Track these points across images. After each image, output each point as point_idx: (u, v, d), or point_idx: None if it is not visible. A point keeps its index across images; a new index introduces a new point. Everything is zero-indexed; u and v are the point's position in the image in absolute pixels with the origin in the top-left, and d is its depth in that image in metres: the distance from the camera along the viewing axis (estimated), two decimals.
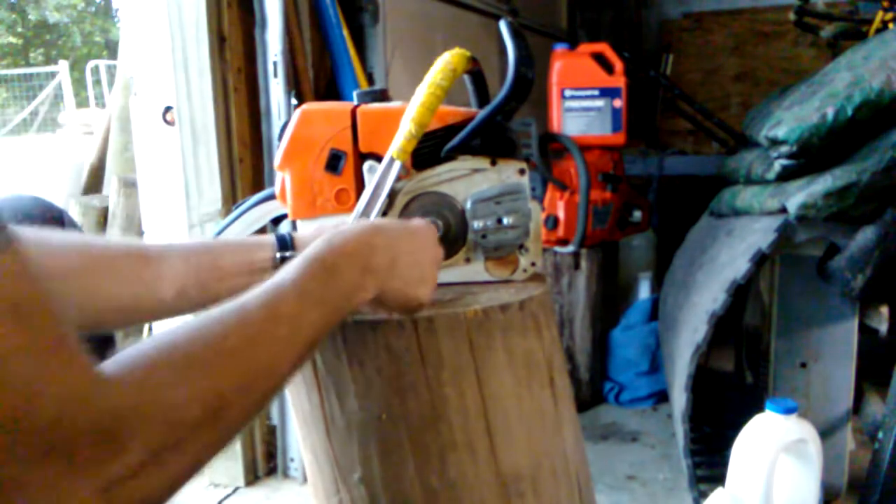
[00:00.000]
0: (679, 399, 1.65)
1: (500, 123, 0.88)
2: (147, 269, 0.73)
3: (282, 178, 0.92)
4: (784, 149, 1.53)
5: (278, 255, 0.80)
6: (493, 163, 0.88)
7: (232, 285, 0.74)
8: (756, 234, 1.62)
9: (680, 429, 1.65)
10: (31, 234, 0.63)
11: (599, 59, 2.42)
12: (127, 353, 0.48)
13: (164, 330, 0.51)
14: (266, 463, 2.05)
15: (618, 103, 2.39)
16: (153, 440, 0.45)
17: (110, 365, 0.47)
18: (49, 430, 0.41)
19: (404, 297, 0.72)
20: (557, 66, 2.43)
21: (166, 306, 0.74)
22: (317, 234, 0.79)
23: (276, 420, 2.02)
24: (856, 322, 1.65)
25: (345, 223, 0.76)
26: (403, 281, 0.70)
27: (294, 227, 0.93)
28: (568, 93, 2.40)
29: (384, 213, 0.87)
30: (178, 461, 0.47)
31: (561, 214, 2.35)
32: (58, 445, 0.41)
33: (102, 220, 2.63)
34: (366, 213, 0.86)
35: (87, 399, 0.43)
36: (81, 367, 0.44)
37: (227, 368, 0.51)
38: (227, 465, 2.00)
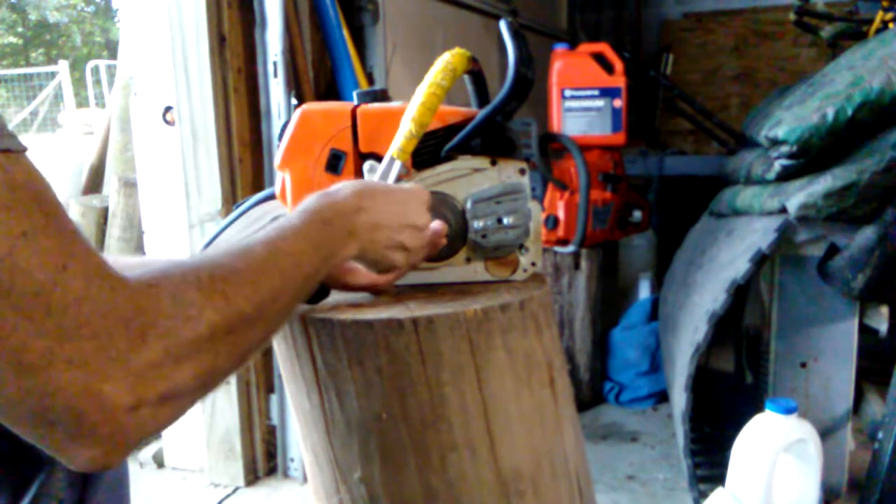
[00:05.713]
0: (679, 399, 1.65)
1: (500, 123, 0.88)
2: None
3: (282, 178, 0.91)
4: (784, 149, 1.53)
5: None
6: (494, 163, 0.88)
7: None
8: (756, 234, 1.62)
9: (680, 429, 1.65)
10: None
11: (599, 59, 2.42)
12: (151, 268, 0.52)
13: (178, 259, 0.56)
14: (266, 463, 2.05)
15: (618, 103, 2.39)
16: (172, 339, 0.49)
17: (133, 272, 0.50)
18: (76, 306, 0.45)
19: (381, 258, 0.76)
20: (557, 66, 2.43)
21: None
22: None
23: (276, 420, 2.02)
24: (856, 322, 1.65)
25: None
26: (383, 245, 0.75)
27: None
28: (568, 93, 2.40)
29: None
30: (197, 365, 0.51)
31: (561, 214, 2.35)
32: (84, 324, 0.45)
33: (102, 220, 2.63)
34: None
35: (113, 284, 0.47)
36: (103, 259, 0.48)
37: (240, 291, 0.55)
38: (227, 465, 2.00)
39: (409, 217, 0.76)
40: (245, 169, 1.94)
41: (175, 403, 0.50)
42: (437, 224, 0.84)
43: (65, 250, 0.45)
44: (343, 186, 0.73)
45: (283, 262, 0.61)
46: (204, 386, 0.53)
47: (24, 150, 0.47)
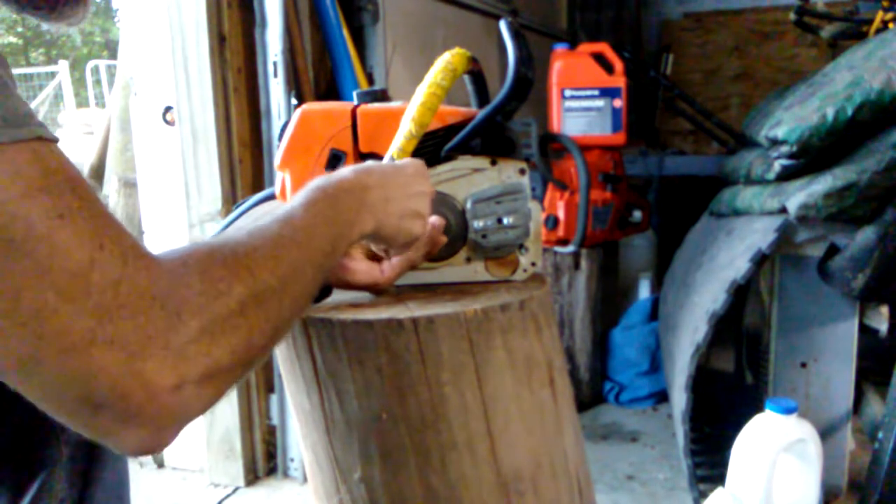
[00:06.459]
0: (679, 399, 1.65)
1: (500, 123, 0.88)
2: None
3: (282, 178, 0.92)
4: (784, 149, 1.53)
5: None
6: (494, 163, 0.88)
7: None
8: (756, 234, 1.62)
9: (680, 429, 1.65)
10: None
11: (599, 59, 2.42)
12: (177, 249, 0.52)
13: (198, 241, 0.56)
14: (266, 463, 2.05)
15: (618, 103, 2.39)
16: (206, 316, 0.49)
17: (162, 253, 0.51)
18: (114, 286, 0.45)
19: (399, 230, 0.76)
20: (557, 66, 2.43)
21: None
22: None
23: (276, 420, 2.02)
24: (856, 322, 1.65)
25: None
26: (398, 216, 0.75)
27: None
28: (568, 93, 2.41)
29: None
30: (233, 340, 0.51)
31: (561, 214, 2.35)
32: (123, 304, 0.45)
33: None
34: None
35: (147, 264, 0.48)
36: (136, 240, 0.49)
37: (264, 265, 0.56)
38: (227, 465, 2.00)
39: (414, 186, 0.77)
40: (245, 169, 1.94)
41: (217, 382, 0.50)
42: (436, 219, 0.84)
43: (100, 231, 0.46)
44: (342, 170, 0.73)
45: (298, 237, 0.61)
46: (242, 363, 0.53)
47: (56, 140, 0.48)
